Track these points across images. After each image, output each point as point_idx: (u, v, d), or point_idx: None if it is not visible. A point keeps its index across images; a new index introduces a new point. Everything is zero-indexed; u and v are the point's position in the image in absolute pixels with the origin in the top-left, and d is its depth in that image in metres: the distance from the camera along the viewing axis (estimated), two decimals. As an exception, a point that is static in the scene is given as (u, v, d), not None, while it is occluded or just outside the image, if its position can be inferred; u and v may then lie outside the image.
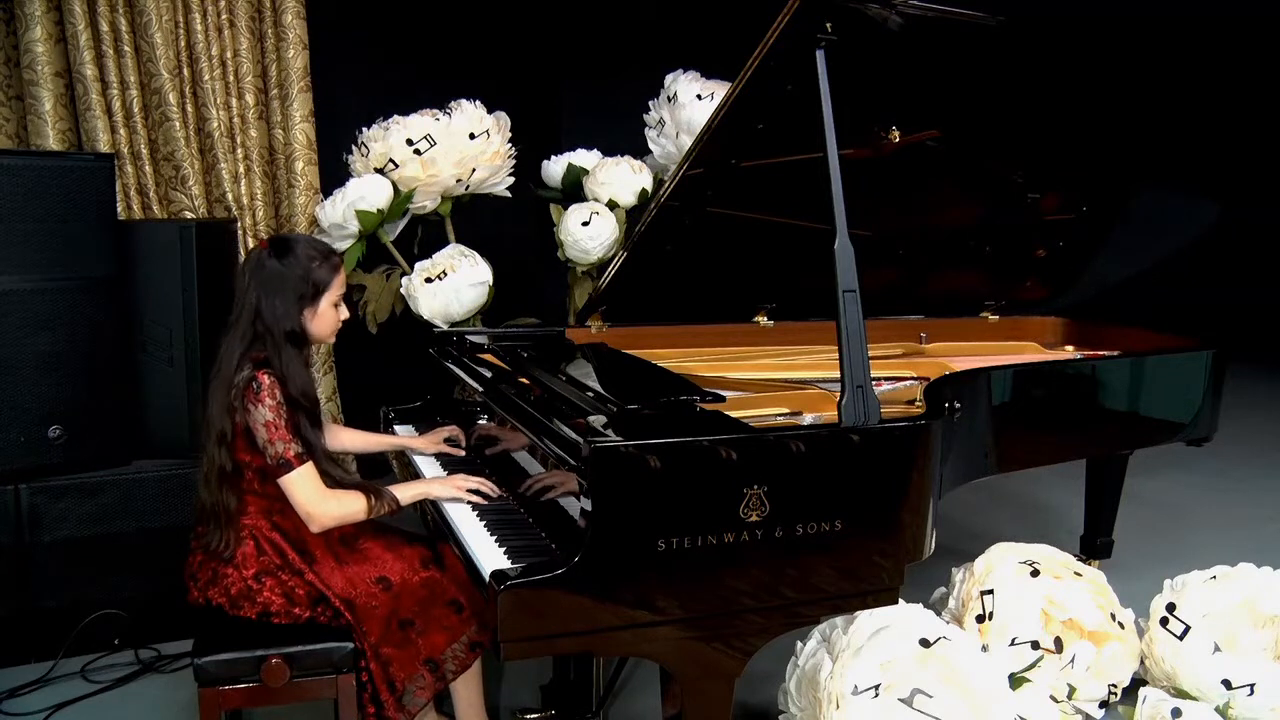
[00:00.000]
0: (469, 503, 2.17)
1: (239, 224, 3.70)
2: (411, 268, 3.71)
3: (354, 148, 3.78)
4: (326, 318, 2.14)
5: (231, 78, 3.73)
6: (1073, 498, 3.65)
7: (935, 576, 2.86)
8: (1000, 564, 2.70)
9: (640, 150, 4.00)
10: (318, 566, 2.10)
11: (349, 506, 2.07)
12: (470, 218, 4.00)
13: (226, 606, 2.10)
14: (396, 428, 2.79)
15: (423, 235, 3.94)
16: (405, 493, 2.16)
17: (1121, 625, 2.69)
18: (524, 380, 2.39)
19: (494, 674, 2.69)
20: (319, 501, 2.04)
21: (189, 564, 2.17)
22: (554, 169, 4.04)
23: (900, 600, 2.00)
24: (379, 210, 3.59)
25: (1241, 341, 3.69)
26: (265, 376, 2.01)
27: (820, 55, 2.07)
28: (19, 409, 2.82)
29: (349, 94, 4.29)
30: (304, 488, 2.03)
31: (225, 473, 2.07)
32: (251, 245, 3.78)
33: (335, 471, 2.13)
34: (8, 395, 2.79)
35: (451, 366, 2.69)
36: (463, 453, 2.52)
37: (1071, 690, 2.58)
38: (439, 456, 2.52)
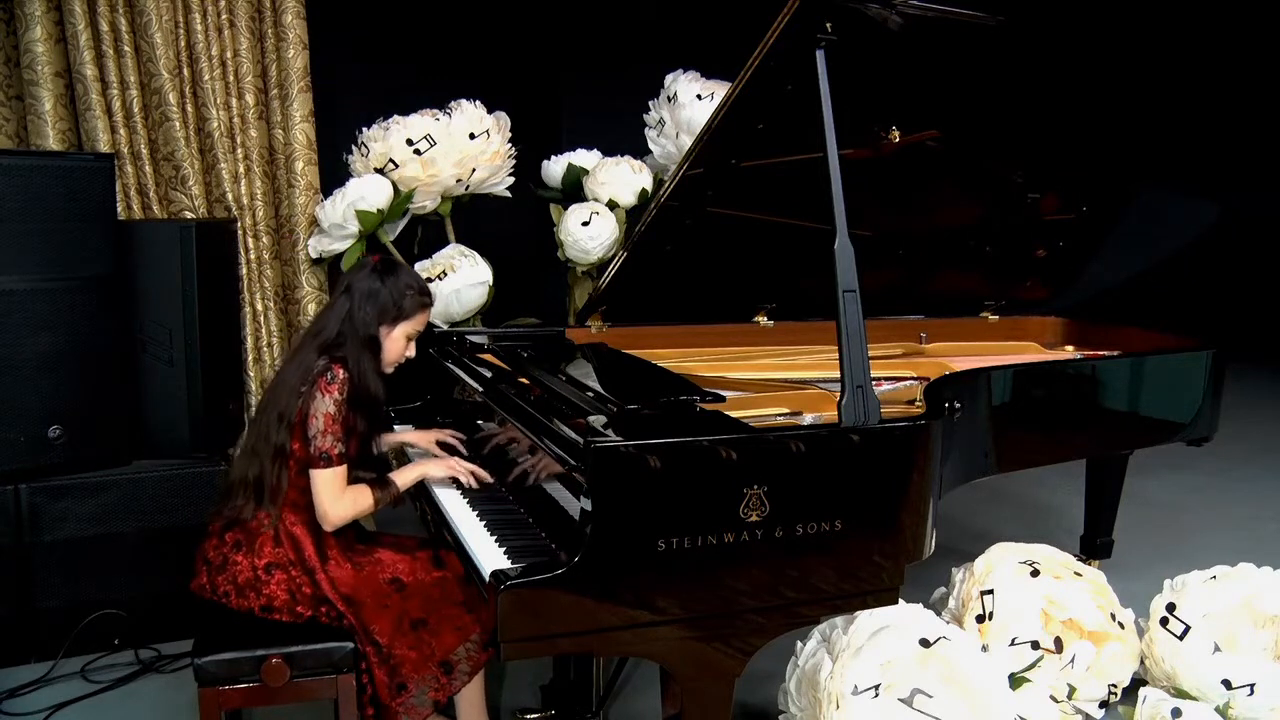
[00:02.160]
0: (466, 492, 2.21)
1: (239, 224, 3.70)
2: (411, 268, 3.71)
3: (354, 148, 3.78)
4: (396, 344, 2.26)
5: (231, 78, 3.72)
6: (1073, 498, 3.65)
7: (935, 576, 2.86)
8: (1000, 564, 2.70)
9: (640, 150, 4.00)
10: (330, 566, 2.13)
11: (360, 503, 2.16)
12: (470, 218, 4.00)
13: (232, 595, 2.13)
14: (396, 427, 2.79)
15: (423, 235, 3.94)
16: (404, 477, 2.24)
17: (1121, 625, 2.69)
18: (524, 380, 2.39)
19: (494, 674, 2.69)
20: (336, 501, 2.12)
21: (204, 548, 2.21)
22: (554, 169, 4.04)
23: (900, 600, 2.00)
24: (379, 210, 3.59)
25: (1241, 341, 3.70)
26: (341, 370, 2.13)
27: (820, 55, 2.07)
28: (19, 409, 2.82)
29: (349, 94, 4.30)
30: (330, 486, 2.11)
31: (283, 453, 2.14)
32: (251, 245, 3.79)
33: (365, 475, 2.22)
34: (8, 395, 2.79)
35: (451, 366, 2.69)
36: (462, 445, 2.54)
37: (1071, 690, 2.58)
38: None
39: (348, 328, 2.19)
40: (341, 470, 2.12)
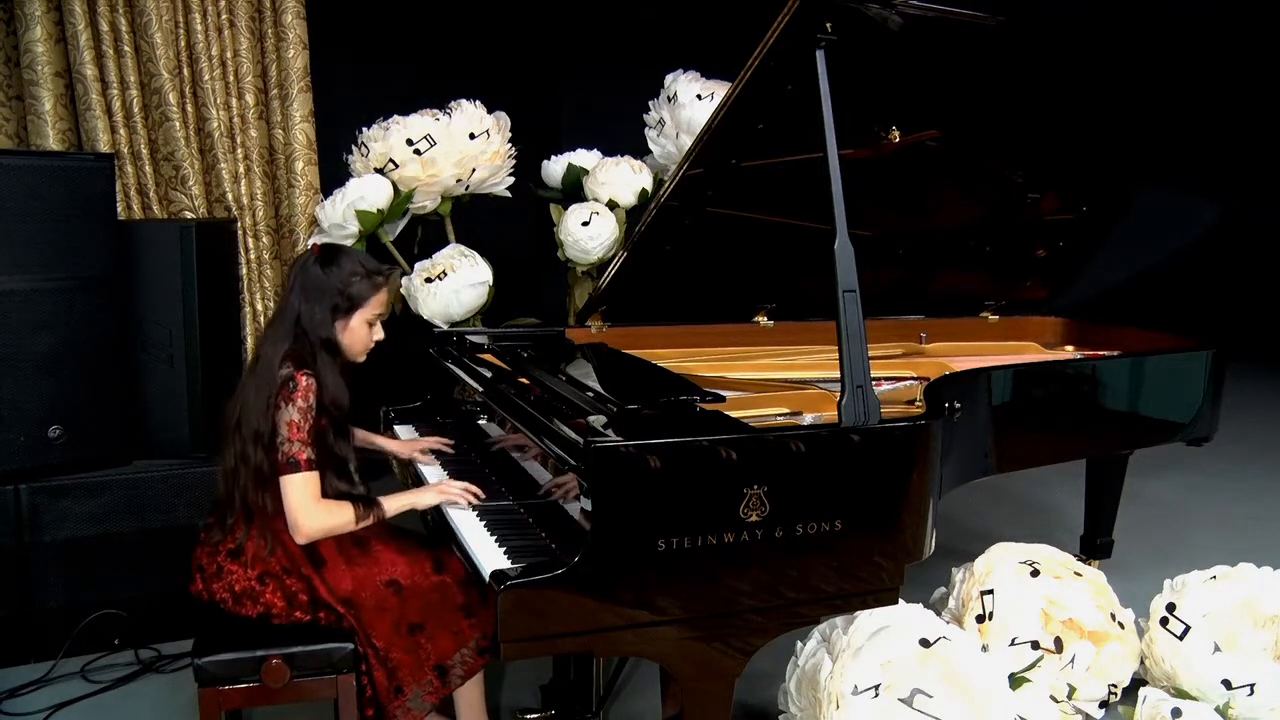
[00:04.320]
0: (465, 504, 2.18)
1: (239, 224, 3.70)
2: (411, 268, 3.71)
3: (354, 148, 3.78)
4: (358, 334, 2.17)
5: (231, 78, 3.73)
6: (1073, 498, 3.65)
7: (935, 576, 2.86)
8: (1000, 564, 2.70)
9: (640, 150, 4.00)
10: (326, 570, 2.10)
11: (337, 518, 2.09)
12: (470, 218, 4.00)
13: (229, 602, 2.11)
14: (396, 428, 2.80)
15: (423, 235, 3.94)
16: (392, 504, 2.17)
17: (1121, 625, 2.69)
18: (524, 380, 2.39)
19: (494, 674, 2.69)
20: (309, 509, 2.05)
21: (196, 554, 2.18)
22: (554, 169, 4.04)
23: (900, 600, 2.00)
24: (379, 210, 3.59)
25: (1241, 341, 3.69)
26: (304, 378, 2.05)
27: (820, 55, 2.07)
28: (19, 409, 2.81)
29: (349, 94, 4.29)
30: (300, 493, 2.05)
31: (262, 474, 2.08)
32: (251, 245, 3.79)
33: (343, 485, 2.15)
34: (8, 395, 2.79)
35: (451, 366, 2.69)
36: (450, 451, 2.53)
37: (1071, 690, 2.58)
38: (439, 455, 2.52)
39: (300, 331, 2.10)
40: (311, 476, 2.05)
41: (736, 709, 1.93)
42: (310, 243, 2.76)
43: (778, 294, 3.10)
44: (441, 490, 2.18)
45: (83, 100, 3.46)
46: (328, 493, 2.10)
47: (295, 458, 2.03)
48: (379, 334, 2.22)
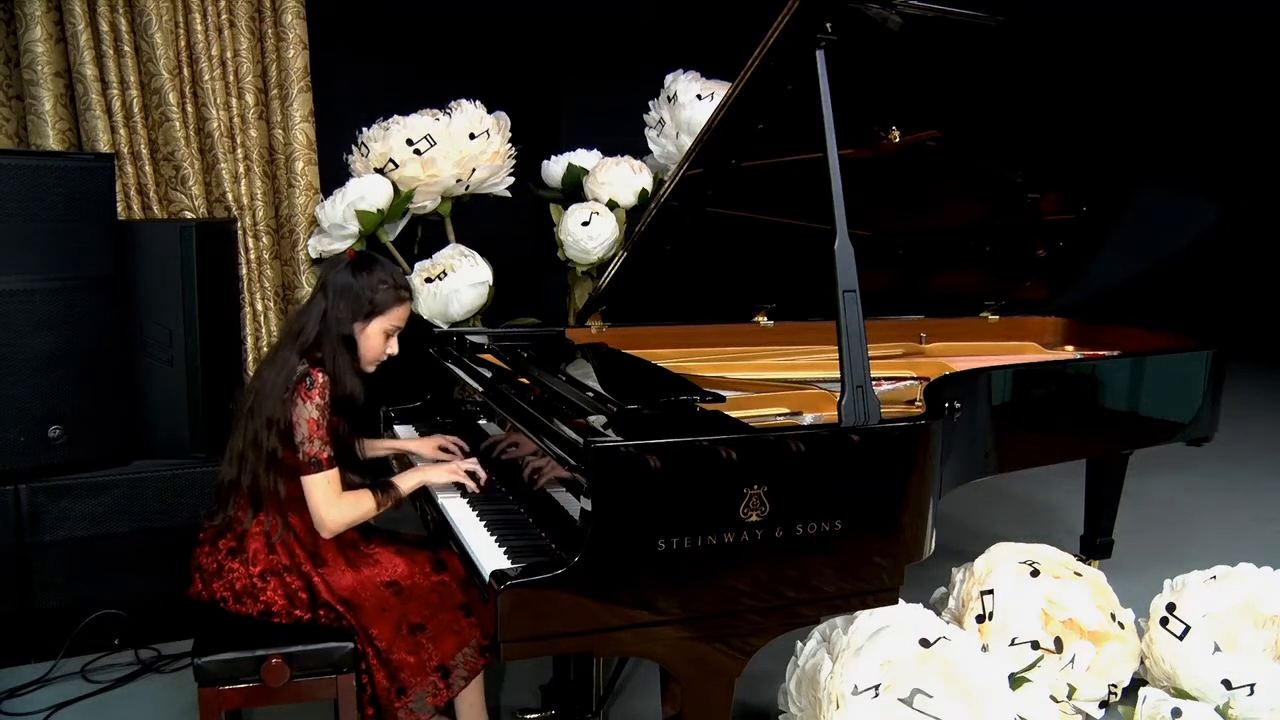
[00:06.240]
0: (466, 493, 2.21)
1: (239, 224, 3.70)
2: (411, 268, 3.71)
3: (354, 148, 3.78)
4: (373, 341, 2.21)
5: (231, 78, 3.73)
6: (1073, 498, 3.65)
7: (935, 576, 2.86)
8: (1000, 564, 2.70)
9: (640, 150, 4.00)
10: (326, 570, 2.11)
11: (360, 508, 2.12)
12: (470, 218, 4.00)
13: (230, 601, 2.12)
14: (396, 427, 2.80)
15: (423, 235, 3.94)
16: (405, 483, 2.22)
17: (1121, 625, 2.69)
18: (524, 380, 2.39)
19: (494, 674, 2.69)
20: (334, 505, 2.09)
21: (196, 555, 2.19)
22: (554, 169, 4.04)
23: (900, 600, 2.00)
24: (379, 210, 3.59)
25: (1241, 341, 3.70)
26: (320, 375, 2.09)
27: (820, 55, 2.08)
28: (19, 409, 2.81)
29: (349, 94, 4.29)
30: (325, 491, 2.08)
31: (275, 458, 2.11)
32: (251, 245, 3.79)
33: (356, 478, 2.18)
34: (8, 395, 2.79)
35: (451, 366, 2.69)
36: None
37: (1071, 690, 2.58)
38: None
39: (324, 327, 2.15)
40: (334, 474, 2.09)
41: (736, 709, 1.93)
42: (347, 248, 2.79)
43: (778, 294, 3.10)
44: (451, 469, 2.23)
45: (83, 100, 3.46)
46: (344, 485, 2.14)
47: (318, 457, 2.07)
48: (393, 348, 2.26)
